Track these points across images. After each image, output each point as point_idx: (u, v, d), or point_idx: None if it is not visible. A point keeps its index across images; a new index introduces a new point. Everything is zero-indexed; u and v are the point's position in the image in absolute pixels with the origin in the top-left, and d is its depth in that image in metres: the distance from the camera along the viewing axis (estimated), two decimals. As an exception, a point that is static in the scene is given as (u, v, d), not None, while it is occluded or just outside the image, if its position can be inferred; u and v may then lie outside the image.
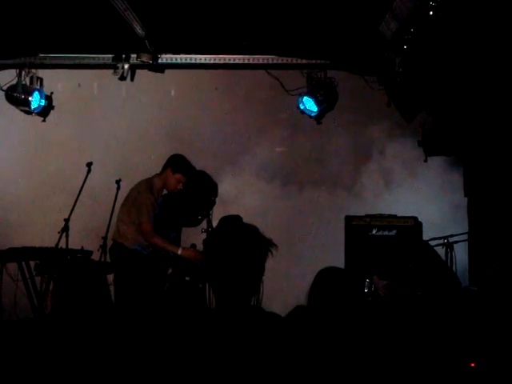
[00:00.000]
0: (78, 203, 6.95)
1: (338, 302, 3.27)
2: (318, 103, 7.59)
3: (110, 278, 6.64)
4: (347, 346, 3.15)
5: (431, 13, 5.29)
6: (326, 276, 3.37)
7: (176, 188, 6.51)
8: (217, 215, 6.84)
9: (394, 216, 7.17)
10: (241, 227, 2.66)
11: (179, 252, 6.27)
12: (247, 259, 2.56)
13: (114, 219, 7.00)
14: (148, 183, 6.42)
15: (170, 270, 6.62)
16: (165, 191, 6.65)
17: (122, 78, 7.53)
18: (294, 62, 7.61)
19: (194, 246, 6.58)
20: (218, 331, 2.52)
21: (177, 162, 6.50)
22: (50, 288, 6.66)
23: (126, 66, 7.51)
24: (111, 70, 7.58)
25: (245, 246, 2.57)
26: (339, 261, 7.08)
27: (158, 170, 6.79)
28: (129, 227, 6.33)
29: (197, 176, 7.03)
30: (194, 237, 6.81)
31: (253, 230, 2.63)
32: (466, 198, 7.59)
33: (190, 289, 3.98)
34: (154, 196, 6.38)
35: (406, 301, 5.71)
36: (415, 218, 7.12)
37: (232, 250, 2.57)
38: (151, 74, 7.60)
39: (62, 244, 6.89)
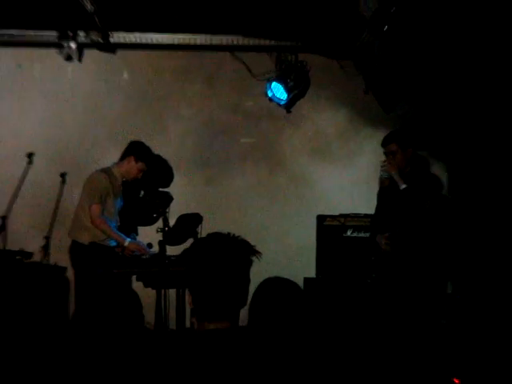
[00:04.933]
0: (17, 199, 6.54)
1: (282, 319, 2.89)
2: (287, 90, 7.14)
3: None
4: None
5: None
6: (268, 289, 2.95)
7: (136, 177, 6.34)
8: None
9: (371, 215, 6.59)
10: (222, 237, 2.49)
11: (126, 243, 6.09)
12: (232, 270, 2.42)
13: (59, 216, 6.74)
14: (105, 171, 6.23)
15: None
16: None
17: (69, 58, 7.16)
18: (262, 43, 7.16)
19: (150, 245, 6.22)
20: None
21: (140, 151, 6.32)
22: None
23: (73, 45, 7.10)
24: (55, 50, 7.16)
25: (228, 256, 2.43)
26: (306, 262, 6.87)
27: (108, 161, 6.46)
28: (84, 220, 6.18)
29: (158, 164, 6.90)
30: (151, 236, 6.24)
31: (233, 238, 2.49)
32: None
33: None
34: (111, 181, 6.20)
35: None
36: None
37: (216, 261, 2.42)
38: (101, 54, 7.20)
39: (-1, 245, 6.43)
